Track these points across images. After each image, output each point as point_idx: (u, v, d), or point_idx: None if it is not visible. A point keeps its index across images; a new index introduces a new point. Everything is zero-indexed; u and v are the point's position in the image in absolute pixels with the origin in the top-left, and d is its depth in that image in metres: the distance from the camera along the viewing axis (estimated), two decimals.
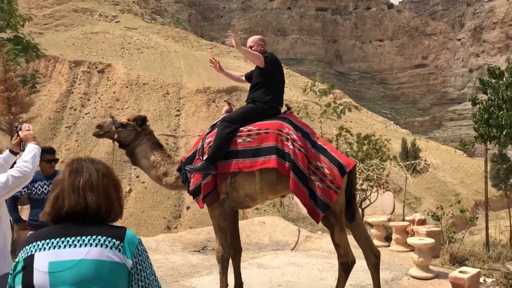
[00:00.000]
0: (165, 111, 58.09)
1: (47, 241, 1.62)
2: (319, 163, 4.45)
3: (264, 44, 4.90)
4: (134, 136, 5.01)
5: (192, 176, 4.79)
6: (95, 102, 58.24)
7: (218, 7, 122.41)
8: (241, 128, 4.63)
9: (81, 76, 61.25)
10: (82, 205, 1.66)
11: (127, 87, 61.17)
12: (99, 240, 1.62)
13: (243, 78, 5.26)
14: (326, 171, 4.41)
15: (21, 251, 1.65)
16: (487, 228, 6.95)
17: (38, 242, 1.63)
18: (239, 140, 4.58)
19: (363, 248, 4.66)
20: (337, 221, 4.49)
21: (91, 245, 1.60)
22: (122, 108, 57.17)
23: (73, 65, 62.13)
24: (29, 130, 3.24)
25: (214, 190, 4.67)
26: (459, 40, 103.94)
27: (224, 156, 4.57)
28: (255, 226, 8.82)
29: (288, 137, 4.48)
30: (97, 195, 1.70)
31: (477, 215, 7.40)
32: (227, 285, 4.75)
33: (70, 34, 73.66)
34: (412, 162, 9.48)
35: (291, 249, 7.95)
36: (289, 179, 4.42)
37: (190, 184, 4.78)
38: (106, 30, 78.49)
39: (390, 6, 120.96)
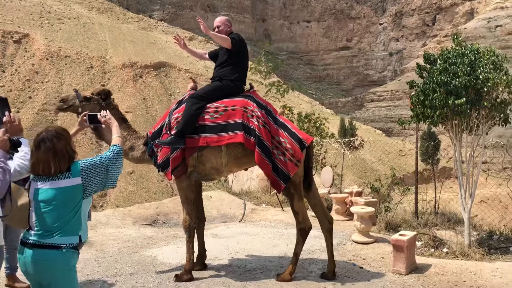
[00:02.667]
0: (89, 86, 55.43)
1: (32, 176, 2.81)
2: (281, 138, 4.84)
3: (230, 24, 5.14)
4: (99, 110, 5.03)
5: (159, 150, 4.99)
6: (11, 75, 54.38)
7: None
8: (208, 105, 4.89)
9: None
10: (47, 171, 2.74)
11: (47, 59, 57.65)
12: (58, 177, 2.74)
13: (207, 56, 5.48)
14: (288, 145, 4.82)
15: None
16: (416, 198, 7.79)
17: (32, 175, 2.82)
18: (207, 116, 4.84)
19: (318, 215, 5.15)
20: (296, 191, 4.94)
21: (52, 180, 2.74)
22: (42, 82, 54.02)
23: None
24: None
25: (182, 163, 4.91)
26: (381, 24, 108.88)
27: (192, 131, 4.82)
28: (203, 200, 9.10)
29: (253, 114, 4.81)
30: (56, 164, 2.73)
31: (409, 187, 8.24)
32: (193, 252, 5.05)
33: None
34: (350, 139, 10.23)
35: (239, 221, 8.36)
36: (253, 153, 4.78)
37: (158, 158, 4.98)
38: None
39: None
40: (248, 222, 8.11)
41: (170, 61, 61.52)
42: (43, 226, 2.72)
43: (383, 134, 69.99)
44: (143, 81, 57.89)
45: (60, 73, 56.56)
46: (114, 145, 3.06)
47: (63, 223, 2.73)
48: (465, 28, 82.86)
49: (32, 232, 2.75)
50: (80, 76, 56.75)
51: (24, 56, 57.74)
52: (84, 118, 3.59)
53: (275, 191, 9.48)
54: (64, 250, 2.72)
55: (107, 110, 3.57)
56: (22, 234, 2.82)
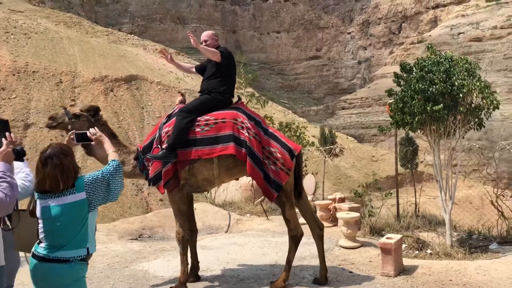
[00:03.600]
0: (59, 101, 54.07)
1: (38, 194, 2.86)
2: (272, 148, 4.96)
3: (217, 38, 5.26)
4: (88, 126, 5.04)
5: (150, 164, 5.03)
6: None
7: None
8: (198, 118, 4.98)
9: None
10: (54, 187, 2.81)
11: (14, 75, 56.04)
12: (62, 193, 2.81)
13: (193, 70, 5.57)
14: (278, 155, 4.94)
15: (34, 194, 2.92)
16: (397, 202, 8.02)
17: (36, 193, 2.88)
18: (198, 129, 4.93)
19: (309, 222, 5.28)
20: (288, 199, 5.06)
21: (58, 197, 2.81)
22: (9, 98, 52.50)
23: None
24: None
25: (174, 176, 4.97)
26: (349, 33, 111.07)
27: (184, 144, 4.89)
28: None
29: (243, 125, 4.93)
30: (64, 180, 2.81)
31: (391, 192, 8.47)
32: (187, 264, 5.09)
33: None
34: (331, 146, 10.45)
35: (225, 232, 8.41)
36: (244, 164, 4.88)
37: (149, 172, 5.02)
38: None
39: None
40: (234, 233, 8.17)
41: (141, 74, 60.88)
42: (52, 241, 2.82)
43: (355, 141, 71.04)
44: (114, 95, 57.03)
45: (28, 89, 55.12)
46: (112, 160, 3.15)
47: (70, 237, 2.82)
48: (430, 35, 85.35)
49: (42, 246, 2.85)
50: (49, 92, 55.42)
51: None
52: (72, 136, 3.61)
53: (259, 200, 9.60)
54: (72, 263, 2.82)
55: (96, 127, 3.62)
56: (33, 247, 2.92)
